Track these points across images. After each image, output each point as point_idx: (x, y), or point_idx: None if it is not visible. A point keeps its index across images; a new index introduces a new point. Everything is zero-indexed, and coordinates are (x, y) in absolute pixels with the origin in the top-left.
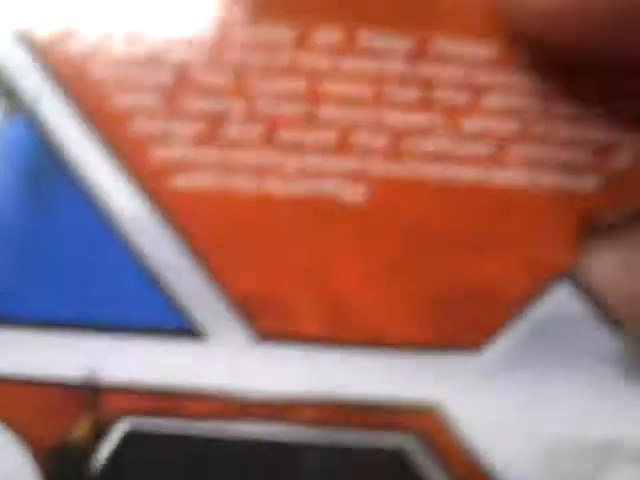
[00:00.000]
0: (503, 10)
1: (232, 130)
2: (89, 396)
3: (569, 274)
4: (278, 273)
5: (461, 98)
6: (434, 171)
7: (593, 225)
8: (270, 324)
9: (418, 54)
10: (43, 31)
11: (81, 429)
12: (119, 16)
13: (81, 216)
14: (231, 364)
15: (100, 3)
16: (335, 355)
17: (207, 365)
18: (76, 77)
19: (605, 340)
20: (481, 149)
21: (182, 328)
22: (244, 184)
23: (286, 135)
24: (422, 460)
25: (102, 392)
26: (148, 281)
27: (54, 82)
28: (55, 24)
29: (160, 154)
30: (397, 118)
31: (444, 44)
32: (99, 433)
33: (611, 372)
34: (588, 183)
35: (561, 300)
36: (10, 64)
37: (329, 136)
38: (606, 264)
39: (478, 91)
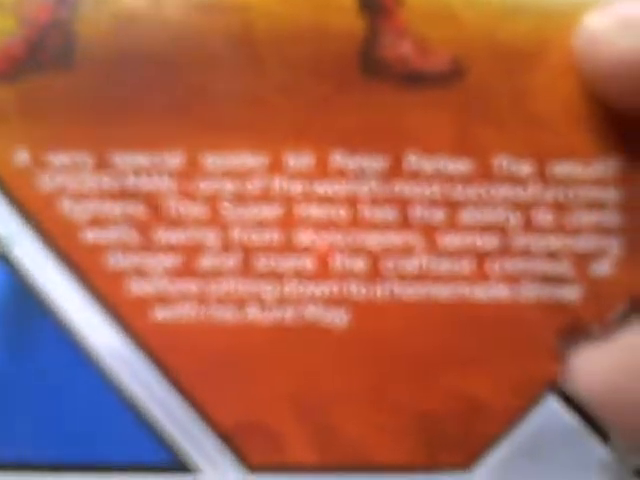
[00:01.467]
0: (581, 67)
1: (208, 261)
2: None
3: (556, 386)
4: (264, 401)
5: (438, 215)
6: (414, 291)
7: (578, 335)
8: (260, 454)
9: (392, 173)
10: (11, 167)
11: None
12: (87, 147)
13: (61, 354)
14: None
15: (67, 134)
16: None
17: None
18: (47, 213)
19: (593, 451)
20: (461, 266)
21: (172, 463)
22: (224, 314)
23: (263, 263)
24: None
25: None
26: (134, 417)
27: (25, 220)
28: (23, 159)
29: (137, 288)
30: (374, 239)
31: (418, 161)
32: None
33: None
34: (571, 293)
35: (549, 413)
36: None
37: (306, 262)
38: (593, 373)
39: (455, 207)
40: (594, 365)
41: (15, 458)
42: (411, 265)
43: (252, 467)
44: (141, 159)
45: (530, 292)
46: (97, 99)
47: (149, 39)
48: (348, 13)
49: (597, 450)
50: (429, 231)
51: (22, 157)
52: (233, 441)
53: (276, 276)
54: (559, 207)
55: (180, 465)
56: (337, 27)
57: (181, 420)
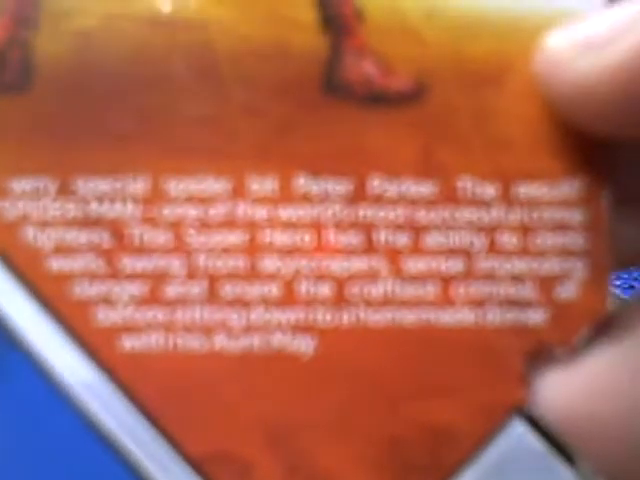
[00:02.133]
0: (543, 88)
1: (174, 289)
2: None
3: (522, 410)
4: (234, 430)
5: (402, 239)
6: (380, 317)
7: (543, 358)
8: None
9: (356, 196)
10: None
11: None
12: (49, 172)
13: (31, 385)
14: None
15: (28, 159)
16: None
17: None
18: (10, 241)
19: (560, 475)
20: (426, 290)
21: None
22: (191, 343)
23: (229, 290)
24: None
25: None
26: (105, 448)
27: None
28: None
29: (103, 317)
30: (339, 265)
31: (382, 184)
32: None
33: None
34: (536, 317)
35: (516, 437)
36: None
37: (272, 288)
38: (559, 396)
39: (419, 231)
40: (559, 389)
41: None
42: (376, 290)
43: None
44: (103, 185)
45: (495, 316)
46: (57, 121)
47: (108, 58)
48: (309, 31)
49: (564, 473)
50: (394, 256)
51: None
52: (204, 470)
53: (242, 303)
54: (524, 229)
55: None
56: (298, 46)
57: (152, 450)
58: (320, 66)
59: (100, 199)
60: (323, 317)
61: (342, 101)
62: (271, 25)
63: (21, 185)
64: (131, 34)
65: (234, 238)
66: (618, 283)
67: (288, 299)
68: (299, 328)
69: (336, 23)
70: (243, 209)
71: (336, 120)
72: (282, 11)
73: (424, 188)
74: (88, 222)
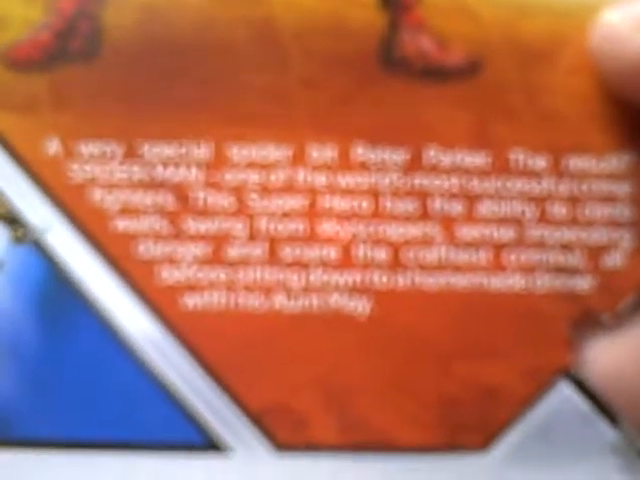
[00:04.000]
0: (598, 63)
1: (235, 250)
2: None
3: (568, 373)
4: (290, 385)
5: (456, 207)
6: (434, 281)
7: (589, 324)
8: (287, 435)
9: (412, 166)
10: (42, 156)
11: None
12: (116, 137)
13: (96, 339)
14: (252, 476)
15: (96, 124)
16: (349, 461)
17: (230, 478)
18: (78, 203)
19: (604, 434)
20: (478, 257)
21: (204, 443)
22: (251, 302)
23: (288, 252)
24: None
25: None
26: (167, 399)
27: (58, 209)
28: (54, 149)
29: (167, 276)
30: (395, 231)
31: (437, 155)
32: None
33: (612, 464)
34: (583, 284)
35: (562, 398)
36: (13, 194)
37: (330, 251)
38: (604, 361)
39: (472, 200)
40: (605, 354)
41: (54, 436)
42: (431, 255)
43: (280, 446)
44: (169, 150)
45: (544, 282)
46: (125, 89)
47: (173, 29)
48: (368, 8)
49: (607, 433)
50: (448, 223)
51: (53, 146)
52: (262, 422)
53: (301, 265)
54: (573, 200)
55: (212, 444)
56: (358, 22)
57: (212, 402)
58: (378, 41)
59: (165, 163)
60: (379, 280)
61: (399, 75)
62: (332, 1)
63: (89, 149)
64: (194, 6)
65: (294, 203)
66: None
67: (346, 262)
68: (356, 290)
69: (394, 0)
70: (303, 175)
71: (393, 93)
72: None
73: (477, 159)
74: (153, 185)
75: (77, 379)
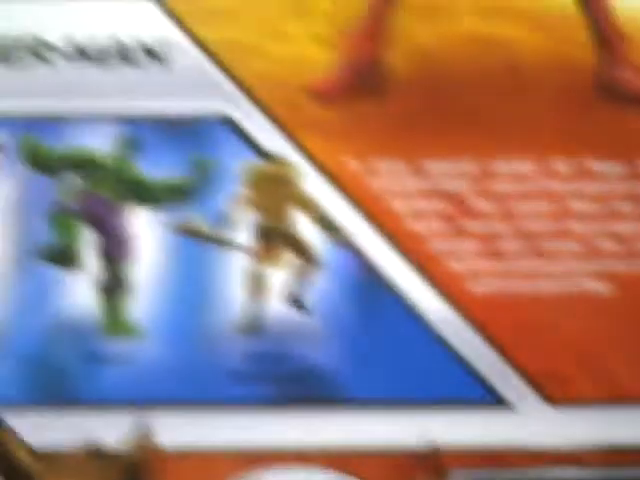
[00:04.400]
0: None
1: (506, 246)
2: (432, 461)
3: None
4: (557, 353)
5: None
6: None
7: None
8: (556, 393)
9: (630, 175)
10: (346, 173)
11: None
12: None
13: (400, 319)
14: (530, 426)
15: (388, 146)
16: (609, 413)
17: (515, 428)
18: (377, 209)
19: None
20: None
21: (490, 400)
22: (522, 287)
23: (548, 247)
24: None
25: (437, 454)
26: (459, 366)
27: (362, 216)
28: (355, 166)
29: (454, 267)
30: (626, 226)
31: None
32: None
33: None
34: None
35: None
36: (326, 204)
37: (578, 246)
38: None
39: None
40: None
41: (370, 396)
42: None
43: (551, 403)
44: (447, 166)
45: None
46: (410, 119)
47: (444, 73)
48: (584, 47)
49: None
50: None
51: (354, 164)
52: (536, 383)
53: (558, 256)
54: None
55: (497, 401)
56: (576, 58)
57: (496, 366)
58: (592, 74)
59: (444, 177)
60: (618, 267)
61: (611, 102)
62: (554, 43)
63: (384, 166)
64: (461, 53)
65: (546, 206)
66: None
67: (591, 254)
68: (600, 276)
69: (605, 39)
70: (551, 184)
71: (609, 117)
72: (562, 32)
73: None
74: (437, 194)
75: (386, 351)
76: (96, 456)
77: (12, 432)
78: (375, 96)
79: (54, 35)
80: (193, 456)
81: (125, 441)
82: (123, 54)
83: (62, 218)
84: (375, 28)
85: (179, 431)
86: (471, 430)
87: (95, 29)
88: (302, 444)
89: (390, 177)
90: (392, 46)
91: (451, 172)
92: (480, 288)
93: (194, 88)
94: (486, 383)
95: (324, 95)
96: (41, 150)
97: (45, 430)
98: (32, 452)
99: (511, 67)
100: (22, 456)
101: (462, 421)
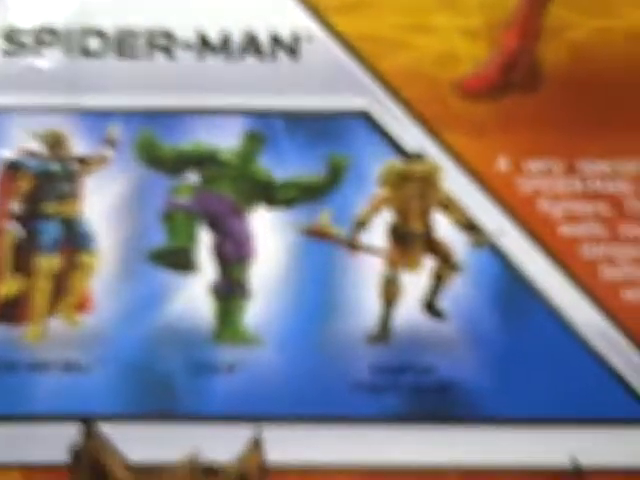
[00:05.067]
0: None
1: None
2: None
3: None
4: None
5: None
6: None
7: None
8: None
9: None
10: (494, 172)
11: None
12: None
13: (548, 328)
14: None
15: (540, 144)
16: None
17: None
18: (527, 211)
19: None
20: None
21: None
22: None
23: None
24: None
25: (586, 476)
26: (613, 381)
27: (509, 216)
28: (505, 165)
29: (608, 273)
30: None
31: None
32: None
33: None
34: None
35: None
36: (470, 205)
37: None
38: None
39: None
40: None
41: (514, 414)
42: None
43: None
44: (603, 166)
45: None
46: (563, 115)
47: (599, 67)
48: None
49: None
50: None
51: (503, 164)
52: None
53: None
54: None
55: None
56: None
57: None
58: None
59: (601, 177)
60: None
61: None
62: None
63: (535, 165)
64: (619, 48)
65: None
66: None
67: None
68: None
69: None
70: None
71: None
72: None
73: None
74: (591, 196)
75: (533, 363)
76: (201, 472)
77: (109, 445)
78: (527, 93)
79: (182, 28)
80: (312, 474)
81: (235, 457)
82: (254, 47)
83: (177, 218)
84: (528, 21)
85: (297, 447)
86: (625, 450)
87: (225, 21)
88: (434, 463)
89: (542, 177)
90: (546, 40)
91: (608, 173)
92: (637, 296)
93: (330, 83)
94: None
95: (472, 91)
96: (158, 146)
97: (147, 444)
98: (129, 467)
99: None
100: (117, 471)
101: (617, 442)
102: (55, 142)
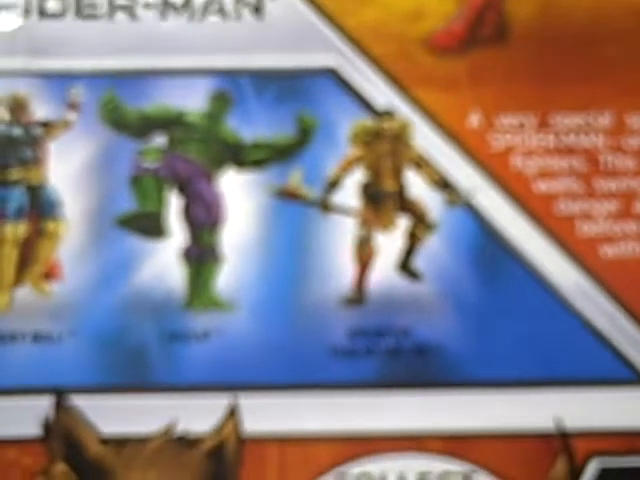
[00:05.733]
0: None
1: None
2: (562, 444)
3: None
4: None
5: None
6: None
7: None
8: None
9: None
10: (466, 129)
11: (560, 472)
12: (530, 109)
13: (527, 287)
14: None
15: (511, 99)
16: None
17: None
18: (500, 168)
19: None
20: None
21: (633, 378)
22: None
23: None
24: None
25: (572, 439)
26: (595, 339)
27: (482, 174)
28: (477, 121)
29: (586, 229)
30: None
31: None
32: (575, 475)
33: None
34: None
35: None
36: (443, 162)
37: None
38: None
39: None
40: None
41: (493, 377)
42: None
43: None
44: (577, 119)
45: None
46: (534, 68)
47: (569, 18)
48: None
49: None
50: None
51: (475, 119)
52: None
53: None
54: None
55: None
56: None
57: (635, 339)
58: None
59: (575, 131)
60: None
61: None
62: None
63: (508, 120)
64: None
65: None
66: None
67: None
68: None
69: None
70: None
71: None
72: None
73: None
74: (566, 150)
75: (513, 324)
76: (176, 444)
77: (81, 418)
78: (496, 47)
79: None
80: (289, 442)
81: (210, 427)
82: (217, 6)
83: (145, 181)
84: None
85: (273, 415)
86: (610, 412)
87: None
88: (415, 428)
89: (515, 133)
90: None
91: (582, 127)
92: (616, 252)
93: (296, 41)
94: (625, 358)
95: (441, 46)
96: (123, 108)
97: (121, 415)
98: (103, 440)
99: None
100: (91, 445)
101: (600, 402)
102: (16, 106)
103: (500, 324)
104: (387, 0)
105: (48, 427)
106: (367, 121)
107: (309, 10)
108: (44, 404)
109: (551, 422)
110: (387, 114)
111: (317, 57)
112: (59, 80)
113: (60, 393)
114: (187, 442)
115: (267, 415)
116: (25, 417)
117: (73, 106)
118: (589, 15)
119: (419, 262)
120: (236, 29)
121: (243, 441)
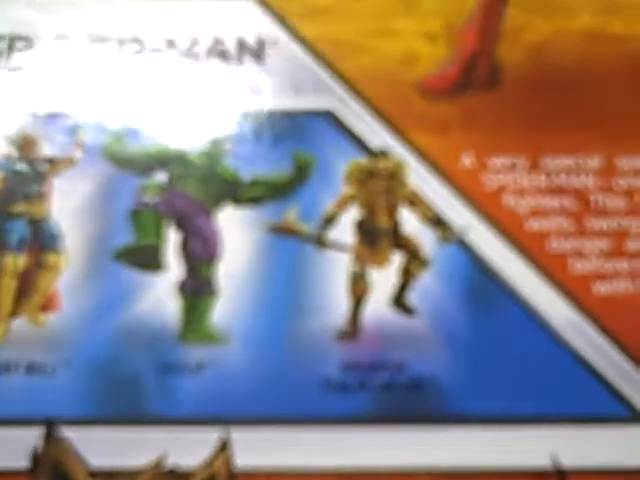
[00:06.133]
0: None
1: (634, 244)
2: None
3: None
4: None
5: None
6: None
7: None
8: None
9: None
10: (458, 169)
11: None
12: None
13: (519, 323)
14: None
15: (503, 141)
16: None
17: None
18: (493, 207)
19: None
20: None
21: (628, 415)
22: None
23: None
24: None
25: (568, 476)
26: (588, 374)
27: (476, 213)
28: (469, 162)
29: (579, 267)
30: None
31: None
32: None
33: None
34: None
35: None
36: (437, 201)
37: None
38: None
39: None
40: None
41: (486, 411)
42: None
43: None
44: (567, 161)
45: None
46: (525, 113)
47: (560, 66)
48: None
49: None
50: None
51: (468, 160)
52: None
53: None
54: None
55: (636, 416)
56: None
57: (629, 376)
58: None
59: (566, 172)
60: None
61: None
62: None
63: (500, 161)
64: (575, 45)
65: None
66: None
67: None
68: None
69: None
70: None
71: None
72: None
73: None
74: (557, 190)
75: (506, 360)
76: (166, 477)
77: (70, 450)
78: (488, 92)
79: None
80: (281, 477)
81: (203, 460)
82: (219, 51)
83: (144, 216)
84: (486, 23)
85: (265, 449)
86: (605, 449)
87: (192, 27)
88: (406, 464)
89: (507, 173)
90: (505, 41)
91: (572, 168)
92: (608, 289)
93: (294, 85)
94: (618, 394)
95: (434, 90)
96: (126, 146)
97: (112, 448)
98: (92, 474)
99: (630, 64)
100: (80, 478)
101: (594, 439)
102: (25, 144)
103: (494, 359)
104: (382, 45)
105: (37, 458)
106: (362, 161)
107: (307, 55)
108: (34, 435)
109: (544, 459)
110: (382, 154)
111: (314, 100)
112: (65, 119)
113: (50, 424)
114: (177, 475)
115: (259, 449)
116: (15, 449)
117: (78, 144)
118: (579, 61)
119: (413, 297)
120: (237, 74)
121: (234, 475)
